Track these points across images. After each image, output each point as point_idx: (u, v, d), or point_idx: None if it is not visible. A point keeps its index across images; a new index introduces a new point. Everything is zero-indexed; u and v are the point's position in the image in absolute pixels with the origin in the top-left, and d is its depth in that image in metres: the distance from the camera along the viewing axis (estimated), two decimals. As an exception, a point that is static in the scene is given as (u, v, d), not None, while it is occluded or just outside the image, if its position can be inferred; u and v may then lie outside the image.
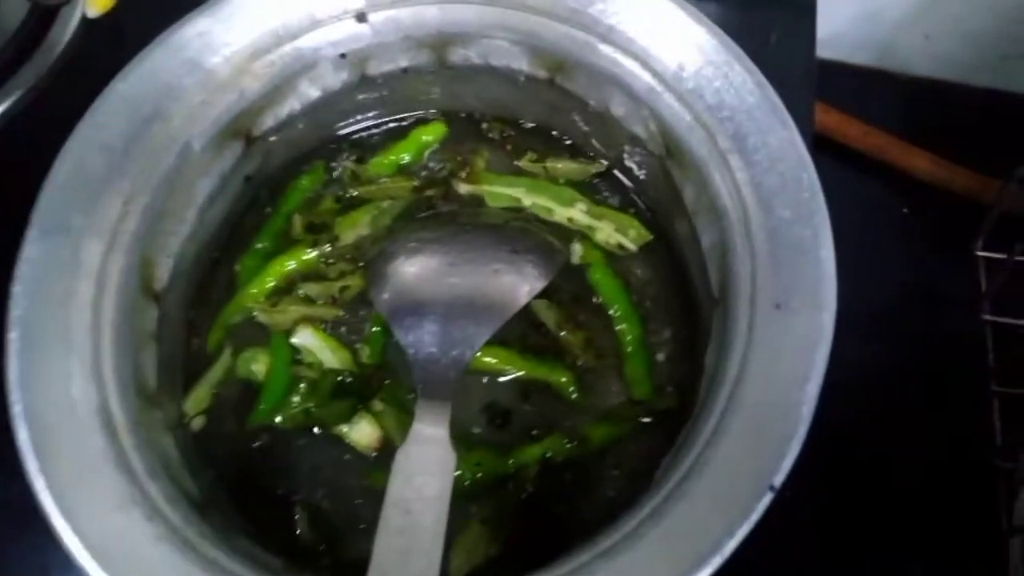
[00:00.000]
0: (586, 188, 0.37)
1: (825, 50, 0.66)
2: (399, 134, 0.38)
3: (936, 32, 0.63)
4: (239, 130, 0.33)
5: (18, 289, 0.27)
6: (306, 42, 0.33)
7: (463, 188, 0.37)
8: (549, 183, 0.36)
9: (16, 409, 0.26)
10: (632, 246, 0.35)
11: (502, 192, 0.36)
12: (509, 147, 0.37)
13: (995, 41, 0.63)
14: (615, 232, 0.35)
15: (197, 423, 0.33)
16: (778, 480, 0.24)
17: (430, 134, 0.38)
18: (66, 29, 0.48)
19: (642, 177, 0.35)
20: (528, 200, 0.36)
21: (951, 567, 0.48)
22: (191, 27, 0.31)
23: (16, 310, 0.27)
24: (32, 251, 0.28)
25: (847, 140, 0.64)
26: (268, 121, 0.34)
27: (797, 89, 0.46)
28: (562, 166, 0.37)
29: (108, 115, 0.29)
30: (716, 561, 0.23)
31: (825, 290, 0.26)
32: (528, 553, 0.27)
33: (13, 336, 0.26)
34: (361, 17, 0.33)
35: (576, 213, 0.35)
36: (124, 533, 0.25)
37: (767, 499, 0.24)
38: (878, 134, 0.63)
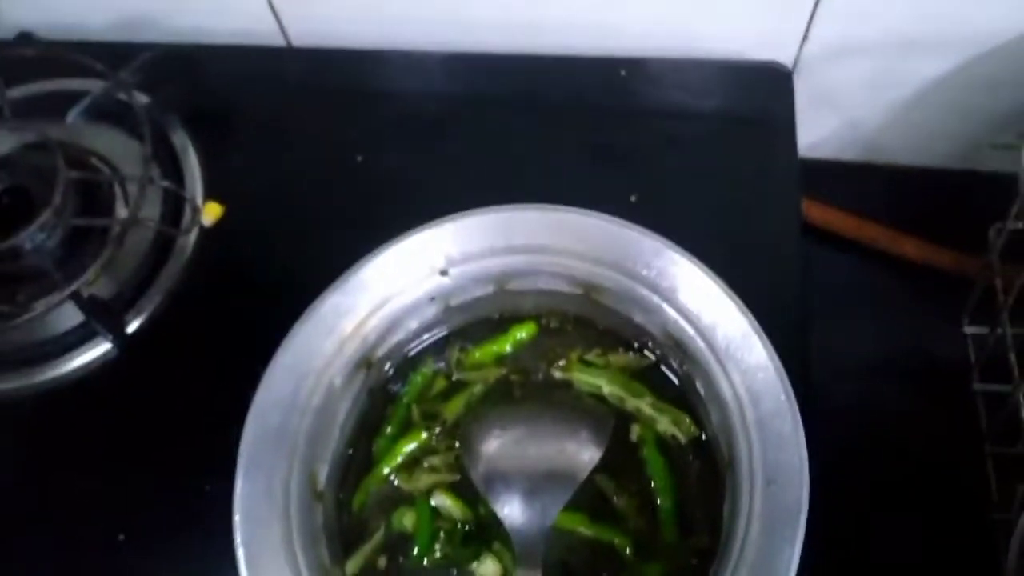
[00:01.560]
0: (645, 376, 0.47)
1: (816, 151, 0.76)
2: (480, 334, 0.49)
3: (912, 134, 0.72)
4: (362, 363, 0.45)
5: (238, 518, 0.39)
6: (406, 297, 0.45)
7: (558, 374, 0.48)
8: (623, 377, 0.47)
9: None
10: (683, 438, 0.45)
11: (588, 380, 0.47)
12: (579, 344, 0.48)
13: (966, 136, 0.71)
14: (671, 424, 0.45)
15: (381, 562, 0.45)
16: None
17: (524, 331, 0.49)
18: (188, 241, 0.60)
19: (681, 373, 0.46)
20: (607, 389, 0.46)
21: None
22: (326, 302, 0.43)
23: (239, 534, 0.39)
24: (242, 487, 0.40)
25: (843, 233, 0.73)
26: (382, 351, 0.46)
27: (784, 194, 0.57)
28: (620, 359, 0.47)
29: (276, 380, 0.42)
30: None
31: (803, 471, 0.37)
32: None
33: (240, 553, 0.39)
34: (444, 272, 0.45)
35: (643, 405, 0.46)
36: None
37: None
38: (870, 226, 0.72)
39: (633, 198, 0.56)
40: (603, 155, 0.58)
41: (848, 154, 0.76)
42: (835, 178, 0.76)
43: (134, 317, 0.57)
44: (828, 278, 0.69)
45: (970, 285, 0.63)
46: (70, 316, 0.57)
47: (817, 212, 0.72)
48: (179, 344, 0.57)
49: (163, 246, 0.59)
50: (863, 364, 0.68)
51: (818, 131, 0.73)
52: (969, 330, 0.64)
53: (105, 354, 0.56)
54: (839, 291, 0.69)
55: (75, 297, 0.56)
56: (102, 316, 0.56)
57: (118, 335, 0.56)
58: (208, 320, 0.57)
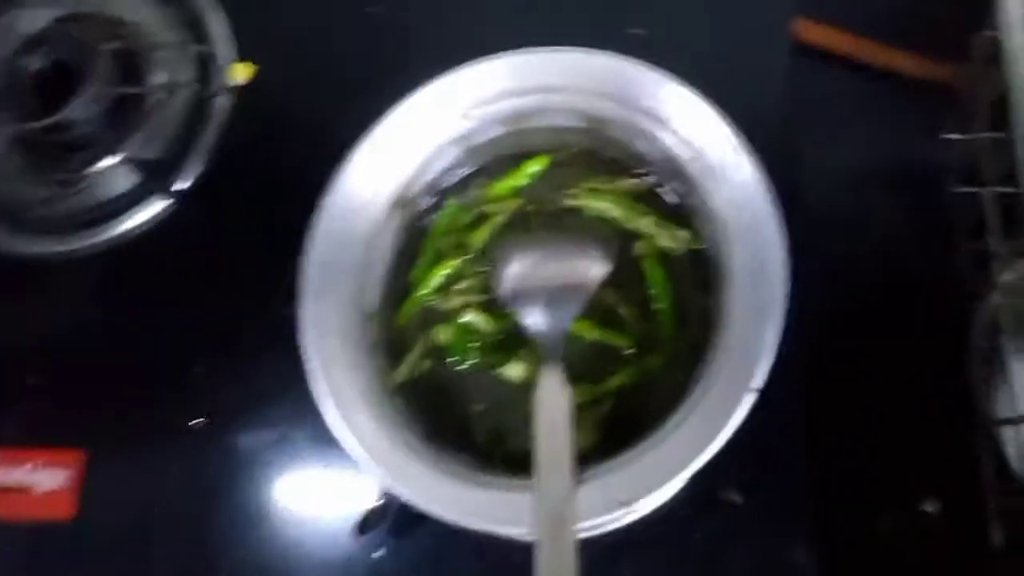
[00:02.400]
0: (646, 197, 0.52)
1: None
2: (499, 170, 0.55)
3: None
4: (399, 201, 0.51)
5: (309, 332, 0.47)
6: (433, 140, 0.51)
7: (569, 202, 0.53)
8: (627, 200, 0.52)
9: (322, 386, 0.46)
10: (680, 250, 0.51)
11: (596, 205, 0.52)
12: (587, 173, 0.54)
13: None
14: (670, 239, 0.51)
15: (425, 365, 0.52)
16: (757, 383, 0.42)
17: (537, 164, 0.54)
18: (223, 101, 0.65)
19: (679, 192, 0.51)
20: (614, 212, 0.52)
21: (926, 388, 0.61)
22: (364, 147, 0.49)
23: (311, 344, 0.47)
24: (308, 309, 0.47)
25: (840, 51, 0.75)
26: (414, 189, 0.52)
27: (776, 14, 0.61)
28: (624, 185, 0.53)
29: (329, 217, 0.48)
30: (723, 436, 0.42)
31: (780, 269, 0.43)
32: (614, 443, 0.46)
33: (314, 360, 0.47)
34: (465, 116, 0.50)
35: (645, 223, 0.51)
36: (382, 443, 0.45)
37: (752, 397, 0.42)
38: (866, 43, 0.74)
39: (633, 31, 0.60)
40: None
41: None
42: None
43: (183, 175, 0.63)
44: (825, 93, 0.72)
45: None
46: (121, 180, 0.64)
47: (815, 32, 0.74)
48: (228, 196, 0.63)
49: (200, 108, 0.64)
50: (854, 170, 0.71)
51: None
52: (951, 136, 0.67)
53: (161, 211, 0.63)
54: (834, 105, 0.72)
55: (129, 160, 0.61)
56: (155, 175, 0.63)
57: (171, 191, 0.62)
58: (252, 172, 0.63)
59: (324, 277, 0.48)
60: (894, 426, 0.60)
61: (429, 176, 0.53)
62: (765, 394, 0.43)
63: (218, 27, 0.66)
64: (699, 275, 0.50)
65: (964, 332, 0.60)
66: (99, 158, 0.64)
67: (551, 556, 0.41)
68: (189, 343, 0.61)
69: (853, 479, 0.61)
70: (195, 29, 0.65)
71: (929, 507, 0.62)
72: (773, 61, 0.60)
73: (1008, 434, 0.52)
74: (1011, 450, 0.51)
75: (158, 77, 0.64)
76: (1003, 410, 0.52)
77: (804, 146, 0.58)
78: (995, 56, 0.54)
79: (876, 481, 0.61)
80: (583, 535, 0.42)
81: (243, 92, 0.65)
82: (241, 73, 0.65)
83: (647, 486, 0.42)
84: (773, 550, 0.52)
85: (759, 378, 0.42)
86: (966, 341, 0.59)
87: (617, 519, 0.43)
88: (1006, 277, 0.54)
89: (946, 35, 0.69)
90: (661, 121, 0.48)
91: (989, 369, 0.55)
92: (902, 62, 0.73)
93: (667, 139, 0.48)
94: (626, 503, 0.42)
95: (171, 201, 0.62)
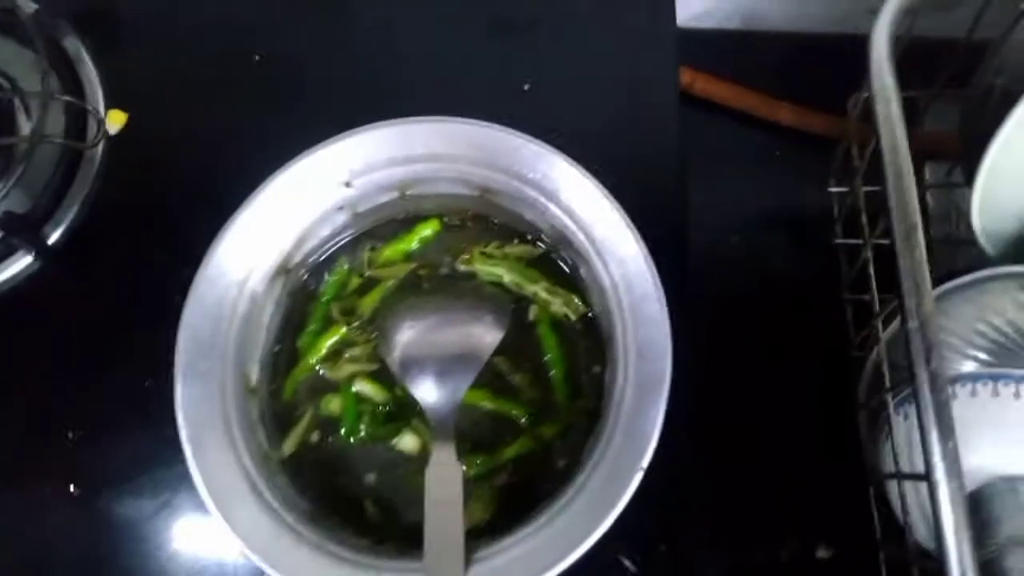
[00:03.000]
0: (539, 263, 0.52)
1: (703, 21, 0.79)
2: (388, 233, 0.54)
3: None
4: (280, 269, 0.49)
5: (181, 418, 0.44)
6: (315, 208, 0.48)
7: (462, 267, 0.52)
8: (520, 265, 0.52)
9: (196, 477, 0.44)
10: (573, 316, 0.51)
11: (489, 270, 0.52)
12: (479, 237, 0.53)
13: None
14: (563, 305, 0.51)
15: (314, 438, 0.50)
16: (645, 463, 0.42)
17: (429, 228, 0.53)
18: (96, 151, 0.61)
19: (569, 260, 0.51)
20: (507, 278, 0.51)
21: (817, 439, 0.64)
22: (240, 219, 0.47)
23: (184, 432, 0.44)
24: (182, 392, 0.45)
25: (723, 102, 0.78)
26: (298, 258, 0.50)
27: (662, 61, 0.61)
28: (515, 250, 0.52)
29: (202, 293, 0.46)
30: (615, 512, 0.41)
31: (666, 346, 0.43)
32: (509, 517, 0.45)
33: (187, 448, 0.44)
34: (348, 184, 0.48)
35: (539, 289, 0.51)
36: (263, 530, 0.43)
37: (639, 475, 0.42)
38: (748, 94, 0.77)
39: (526, 87, 0.59)
40: (498, 32, 0.61)
41: (731, 23, 0.79)
42: (719, 47, 0.79)
43: (53, 229, 0.59)
44: (713, 143, 0.74)
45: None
46: (-16, 235, 0.59)
47: (702, 83, 0.77)
48: (100, 251, 0.59)
49: (72, 158, 0.60)
50: (742, 221, 0.74)
51: (702, 2, 0.76)
52: (833, 189, 0.70)
53: (28, 267, 0.58)
54: (722, 155, 0.75)
55: (-6, 214, 0.57)
56: (21, 230, 0.58)
57: (39, 247, 0.58)
58: (126, 226, 0.59)
59: (199, 354, 0.45)
60: (789, 480, 0.62)
61: (313, 242, 0.51)
62: (655, 461, 0.43)
63: (88, 72, 0.62)
64: (592, 344, 0.50)
65: (851, 376, 0.62)
66: (-42, 215, 0.59)
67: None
68: (61, 408, 0.56)
69: (748, 531, 0.62)
70: (64, 77, 0.61)
71: (823, 553, 0.64)
72: (661, 112, 0.60)
73: (893, 488, 0.53)
74: (896, 503, 0.53)
75: (24, 126, 0.60)
76: (888, 464, 0.53)
77: (691, 197, 0.58)
78: (869, 114, 0.55)
79: (771, 531, 0.62)
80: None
81: (116, 142, 0.61)
82: (113, 122, 0.61)
83: (536, 570, 0.41)
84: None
85: (647, 457, 0.42)
86: (855, 395, 0.61)
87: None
88: (886, 333, 0.55)
89: (828, 89, 0.72)
90: (548, 193, 0.47)
91: (875, 423, 0.57)
92: (786, 114, 0.76)
93: (555, 211, 0.48)
94: (517, 587, 0.41)
95: (39, 257, 0.58)
